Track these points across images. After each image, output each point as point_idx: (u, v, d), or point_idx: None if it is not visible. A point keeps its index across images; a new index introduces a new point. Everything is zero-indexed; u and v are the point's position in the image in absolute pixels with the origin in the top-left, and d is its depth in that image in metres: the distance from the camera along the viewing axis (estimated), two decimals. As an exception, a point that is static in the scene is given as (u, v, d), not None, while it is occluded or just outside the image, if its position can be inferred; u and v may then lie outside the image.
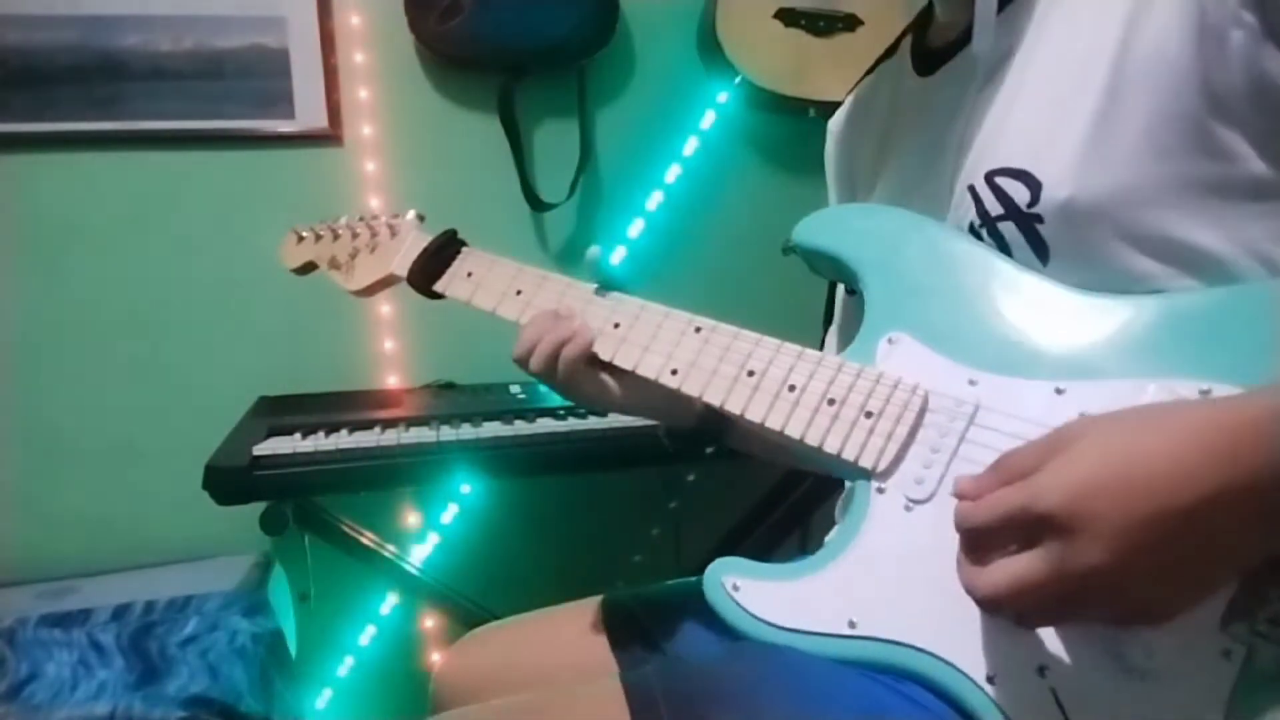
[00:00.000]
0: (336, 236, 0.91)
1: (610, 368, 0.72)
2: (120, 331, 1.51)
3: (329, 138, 1.55)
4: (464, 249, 0.83)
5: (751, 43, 1.56)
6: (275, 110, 1.52)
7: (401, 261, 0.84)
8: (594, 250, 0.75)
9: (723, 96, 1.67)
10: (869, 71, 0.82)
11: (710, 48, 1.59)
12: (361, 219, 0.91)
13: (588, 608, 0.80)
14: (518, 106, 1.60)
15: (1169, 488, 0.41)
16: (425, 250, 0.83)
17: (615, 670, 0.72)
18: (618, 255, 1.70)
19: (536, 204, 1.63)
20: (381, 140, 1.58)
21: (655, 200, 1.70)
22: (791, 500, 1.53)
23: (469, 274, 0.81)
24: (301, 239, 0.94)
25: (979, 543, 0.45)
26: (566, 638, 0.78)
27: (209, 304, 1.54)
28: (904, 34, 0.78)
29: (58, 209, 1.47)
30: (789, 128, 1.70)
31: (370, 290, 0.88)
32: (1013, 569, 0.43)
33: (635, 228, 1.70)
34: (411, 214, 0.88)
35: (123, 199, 1.50)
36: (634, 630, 0.76)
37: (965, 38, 0.64)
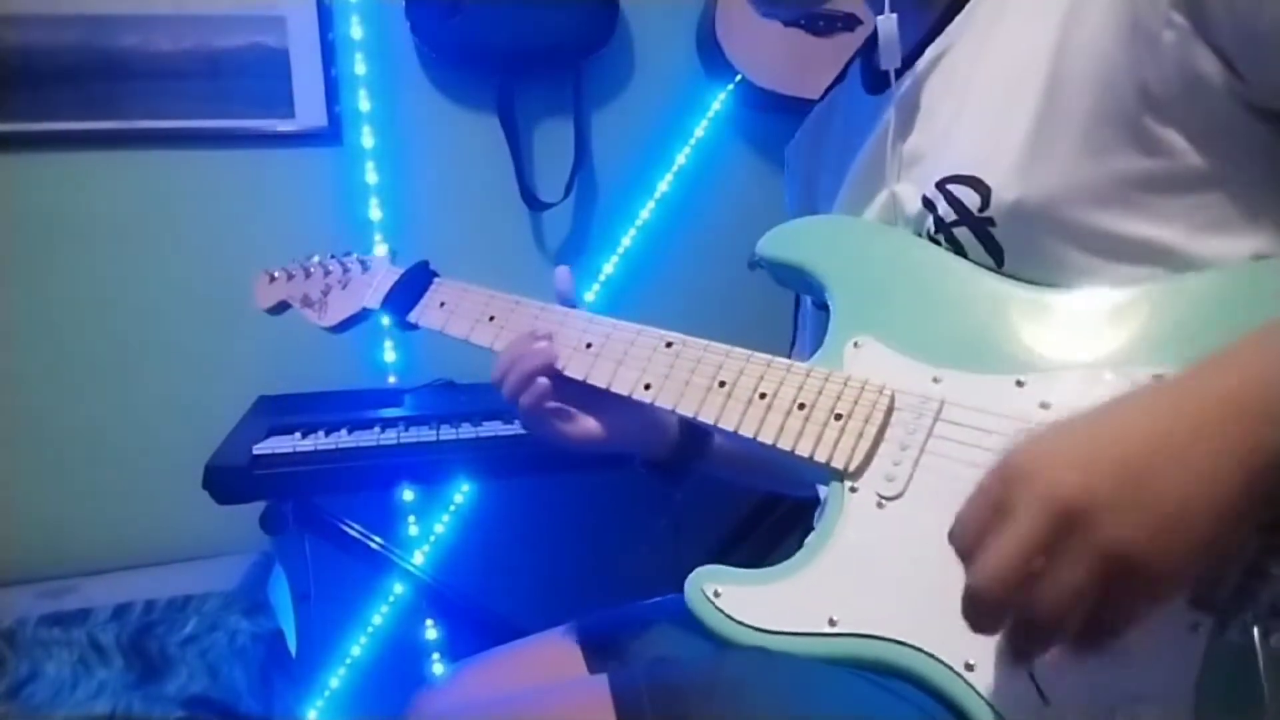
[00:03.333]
0: (308, 274, 0.93)
1: (581, 402, 0.73)
2: (120, 330, 1.51)
3: (329, 138, 1.55)
4: (436, 279, 0.85)
5: (751, 43, 1.56)
6: (275, 110, 1.52)
7: (374, 295, 0.86)
8: (563, 271, 0.78)
9: (722, 96, 1.67)
10: (820, 99, 0.85)
11: (709, 48, 1.59)
12: (333, 256, 0.93)
13: (557, 634, 0.79)
14: (516, 106, 1.60)
15: (1123, 427, 0.42)
16: (397, 283, 0.85)
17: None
18: (613, 256, 1.70)
19: (534, 203, 1.63)
20: (381, 140, 1.58)
21: (654, 200, 1.70)
22: (791, 500, 1.53)
23: (441, 303, 0.82)
24: (274, 279, 0.96)
25: (967, 541, 0.43)
26: (541, 667, 0.76)
27: (209, 304, 1.54)
28: (852, 59, 0.80)
29: (57, 209, 1.47)
30: (788, 128, 1.69)
31: (342, 326, 0.90)
32: (995, 540, 0.41)
33: (634, 228, 1.70)
34: (384, 249, 0.92)
35: (122, 199, 1.50)
36: (611, 650, 0.75)
37: (914, 55, 0.66)
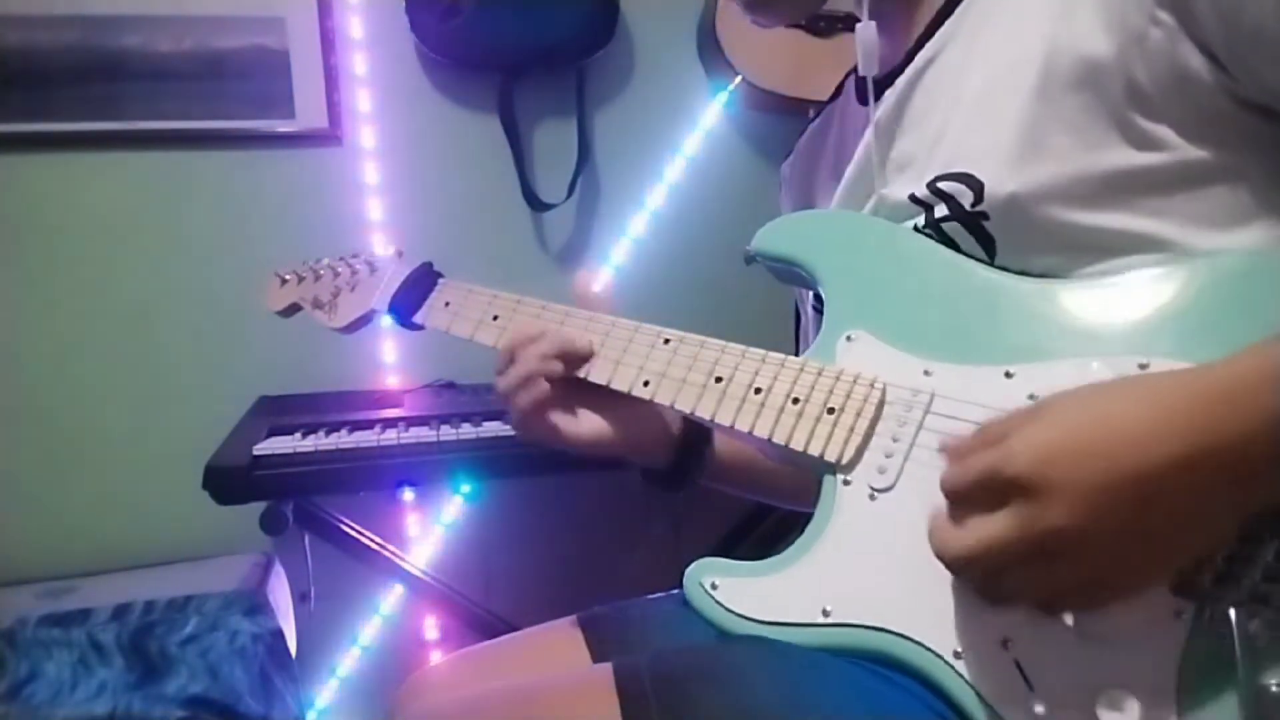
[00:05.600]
0: (318, 277, 0.94)
1: (579, 405, 0.73)
2: (120, 331, 1.51)
3: (329, 138, 1.55)
4: (441, 280, 0.86)
5: (751, 43, 1.56)
6: (275, 110, 1.52)
7: (381, 297, 0.87)
8: (583, 276, 0.79)
9: (722, 97, 1.67)
10: (815, 117, 0.86)
11: (709, 48, 1.59)
12: (341, 258, 0.94)
13: (561, 626, 0.80)
14: (517, 107, 1.61)
15: (1137, 452, 0.42)
16: (403, 284, 0.86)
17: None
18: (616, 256, 1.70)
19: (536, 204, 1.63)
20: (381, 140, 1.58)
21: (654, 201, 1.70)
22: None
23: (446, 304, 0.83)
24: (284, 282, 0.96)
25: (956, 504, 0.47)
26: (544, 655, 0.77)
27: (209, 304, 1.54)
28: (846, 76, 0.81)
29: (57, 209, 1.47)
30: (788, 128, 1.70)
31: (353, 327, 0.90)
32: (981, 528, 0.45)
33: (634, 228, 1.70)
34: (392, 250, 0.91)
35: (122, 199, 1.50)
36: (616, 641, 0.76)
37: (905, 63, 0.67)
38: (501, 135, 1.60)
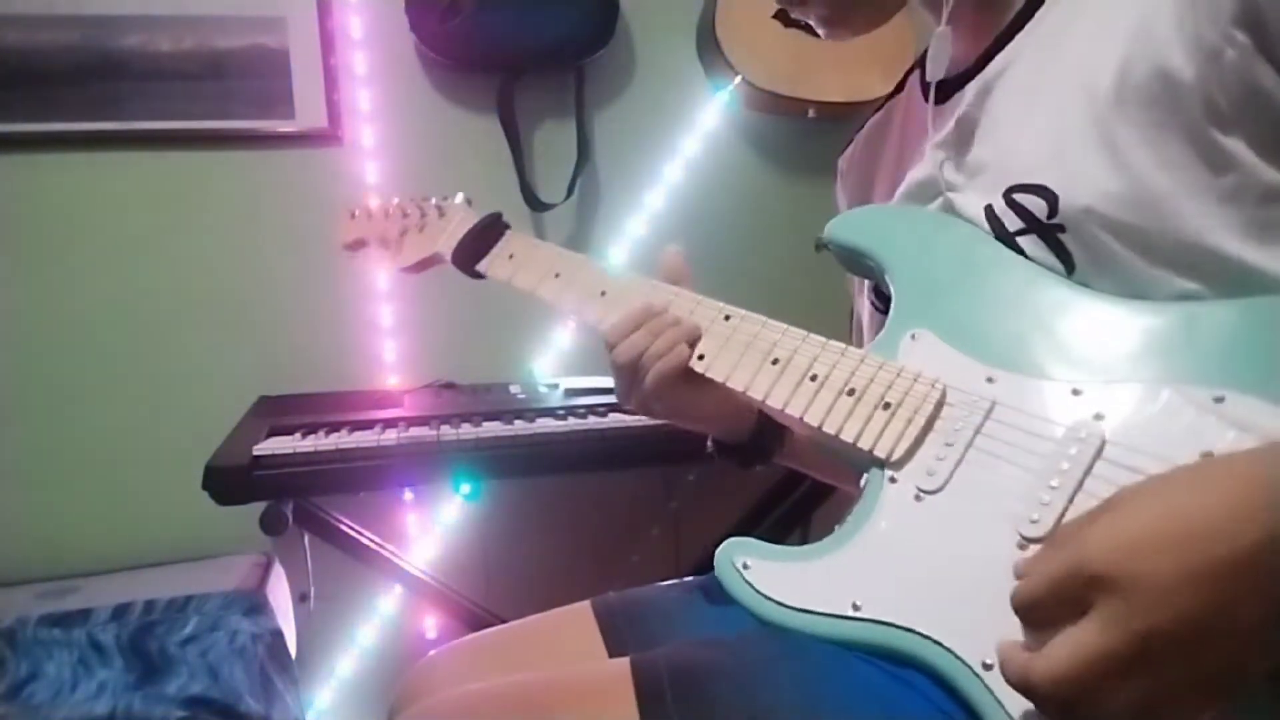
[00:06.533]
0: (388, 215, 0.95)
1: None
2: (120, 331, 1.51)
3: (329, 138, 1.55)
4: (508, 231, 0.86)
5: (750, 43, 1.56)
6: (275, 110, 1.52)
7: (447, 241, 0.87)
8: (671, 253, 0.77)
9: (721, 97, 1.67)
10: (878, 109, 0.85)
11: (709, 48, 1.59)
12: (413, 199, 0.95)
13: (575, 612, 0.80)
14: (517, 107, 1.61)
15: (1226, 535, 0.39)
16: (470, 231, 0.86)
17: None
18: (615, 256, 1.70)
19: (535, 204, 1.63)
20: (381, 140, 1.58)
21: (653, 201, 1.70)
22: (791, 500, 1.53)
23: (511, 255, 0.83)
24: (354, 216, 0.98)
25: (1034, 622, 0.43)
26: (560, 641, 0.77)
27: (209, 304, 1.54)
28: (910, 71, 0.80)
29: (58, 209, 1.47)
30: (788, 128, 1.71)
31: (417, 268, 0.92)
32: (1071, 640, 0.40)
33: (633, 228, 1.70)
34: (460, 197, 0.92)
35: (122, 199, 1.50)
36: (632, 630, 0.76)
37: (976, 68, 0.66)
38: (501, 135, 1.60)
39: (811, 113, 1.60)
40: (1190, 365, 0.52)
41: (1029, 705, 0.46)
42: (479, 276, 0.85)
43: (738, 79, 1.58)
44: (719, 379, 0.68)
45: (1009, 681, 0.43)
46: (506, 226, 0.86)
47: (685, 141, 1.70)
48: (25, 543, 1.48)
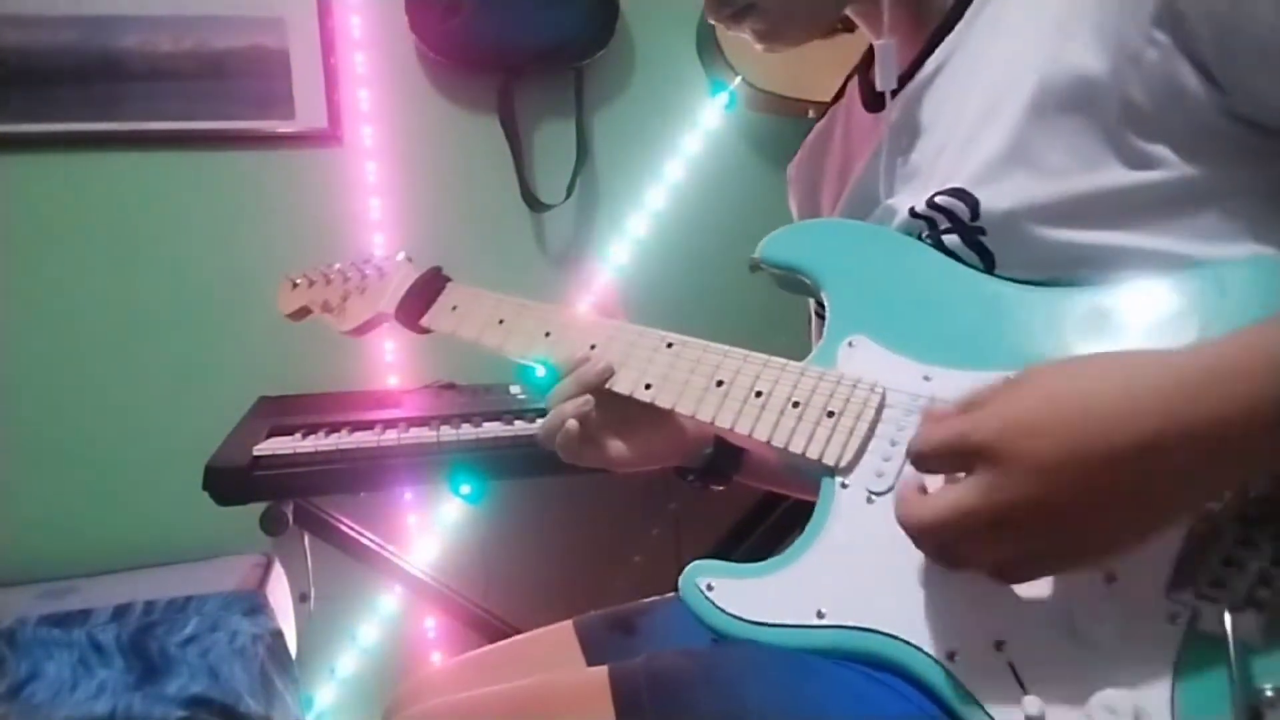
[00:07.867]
0: (329, 281, 0.95)
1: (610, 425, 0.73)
2: (120, 331, 1.51)
3: (329, 138, 1.55)
4: (449, 284, 0.86)
5: (750, 43, 1.56)
6: (275, 110, 1.52)
7: (389, 300, 0.87)
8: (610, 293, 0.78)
9: (721, 97, 1.67)
10: (820, 116, 0.86)
11: (709, 48, 1.59)
12: (352, 263, 0.95)
13: (556, 631, 0.81)
14: (517, 107, 1.61)
15: (1107, 429, 0.42)
16: (411, 288, 0.87)
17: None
18: (615, 256, 1.70)
19: (535, 204, 1.63)
20: (381, 140, 1.58)
21: (653, 201, 1.70)
22: (791, 501, 1.53)
23: (454, 307, 0.84)
24: (295, 285, 0.98)
25: (925, 471, 0.48)
26: (539, 660, 0.78)
27: (209, 304, 1.54)
28: (849, 77, 0.82)
29: (58, 209, 1.47)
30: (787, 128, 1.70)
31: (361, 330, 0.91)
32: (946, 496, 0.46)
33: (633, 228, 1.70)
34: (401, 255, 0.93)
35: (122, 199, 1.50)
36: (610, 645, 0.76)
37: (910, 70, 0.68)
38: (501, 135, 1.60)
39: (811, 113, 1.60)
40: (1119, 342, 0.54)
41: (995, 691, 0.49)
42: (425, 332, 0.85)
43: (738, 79, 1.58)
44: (666, 406, 0.68)
45: (897, 516, 0.48)
46: (447, 279, 0.87)
47: (685, 142, 1.70)
48: (25, 543, 1.48)
